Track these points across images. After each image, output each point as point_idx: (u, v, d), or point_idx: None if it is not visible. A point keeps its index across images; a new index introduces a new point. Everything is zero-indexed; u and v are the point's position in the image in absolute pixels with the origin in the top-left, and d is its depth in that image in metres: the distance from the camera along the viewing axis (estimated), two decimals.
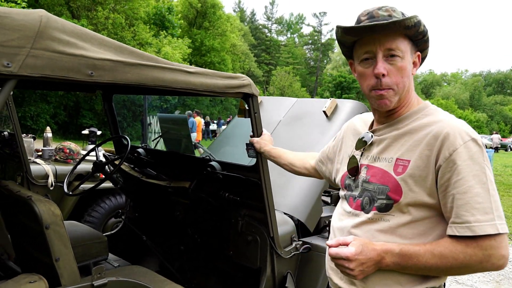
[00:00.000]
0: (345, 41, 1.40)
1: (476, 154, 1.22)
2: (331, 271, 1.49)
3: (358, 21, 1.35)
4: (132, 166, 2.95)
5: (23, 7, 13.70)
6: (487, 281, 4.92)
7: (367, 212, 1.37)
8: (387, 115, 1.42)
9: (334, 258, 1.28)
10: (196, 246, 2.79)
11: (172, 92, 1.96)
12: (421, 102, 1.42)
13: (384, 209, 1.33)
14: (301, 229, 2.74)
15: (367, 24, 1.29)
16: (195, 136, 13.35)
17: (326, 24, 73.55)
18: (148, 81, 1.59)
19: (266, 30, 71.98)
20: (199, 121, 14.32)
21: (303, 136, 3.23)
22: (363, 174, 1.43)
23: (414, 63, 1.39)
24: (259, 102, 3.61)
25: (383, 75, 1.31)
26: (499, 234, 1.18)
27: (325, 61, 70.69)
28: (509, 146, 35.80)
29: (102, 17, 21.62)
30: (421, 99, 1.44)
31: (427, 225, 1.30)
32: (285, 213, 2.73)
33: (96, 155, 2.94)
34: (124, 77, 1.51)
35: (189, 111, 14.74)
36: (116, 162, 2.78)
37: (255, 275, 2.38)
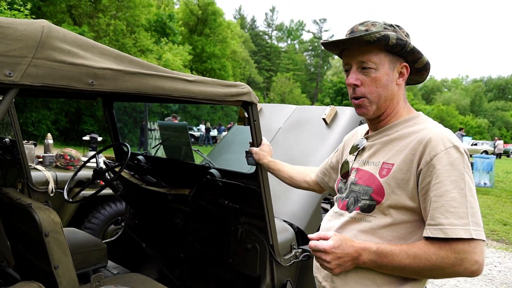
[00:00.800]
0: (333, 53, 1.54)
1: (457, 161, 1.26)
2: (316, 270, 1.55)
3: (346, 34, 1.45)
4: (132, 173, 2.96)
5: (26, 15, 13.79)
6: None
7: (350, 212, 1.44)
8: (375, 123, 1.50)
9: (313, 251, 1.34)
10: (195, 254, 2.79)
11: (172, 100, 1.97)
12: (413, 112, 1.48)
13: (367, 209, 1.38)
14: (301, 236, 2.74)
15: (330, 40, 1.43)
16: None
17: (326, 30, 73.93)
18: (148, 90, 1.60)
19: (267, 37, 72.26)
20: None
21: (302, 143, 3.24)
22: (352, 176, 1.50)
23: (401, 74, 1.44)
24: (258, 109, 3.63)
25: (356, 85, 1.41)
26: (473, 239, 1.20)
27: (326, 67, 70.85)
28: (511, 152, 35.80)
29: (104, 24, 21.74)
30: (413, 109, 1.49)
31: (408, 229, 1.34)
32: (284, 221, 2.73)
33: (97, 162, 2.95)
34: (125, 86, 1.52)
35: (169, 117, 14.66)
36: (116, 169, 2.79)
37: (255, 283, 2.37)
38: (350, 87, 1.43)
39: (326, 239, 1.33)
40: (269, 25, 72.69)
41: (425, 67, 1.49)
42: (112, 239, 3.33)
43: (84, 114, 22.70)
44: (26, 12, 14.07)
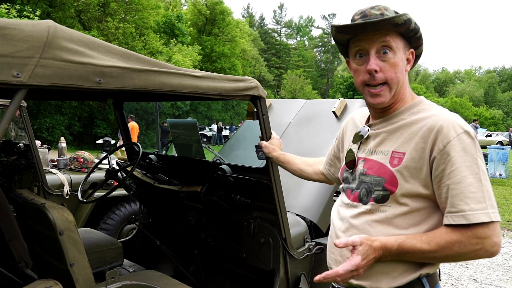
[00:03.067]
0: (340, 39, 1.45)
1: (469, 146, 1.27)
2: (331, 262, 1.53)
3: (352, 20, 1.40)
4: (145, 172, 2.98)
5: None
6: (505, 279, 4.83)
7: (365, 203, 1.42)
8: (382, 111, 1.47)
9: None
10: (209, 250, 2.80)
11: (180, 97, 1.98)
12: (416, 97, 1.46)
13: (381, 200, 1.38)
14: (314, 229, 2.74)
15: (359, 22, 1.34)
16: None
17: None
18: (156, 87, 1.60)
19: (276, 34, 72.15)
20: (132, 126, 13.61)
21: (313, 137, 3.23)
22: (360, 167, 1.48)
23: (408, 60, 1.43)
24: (268, 105, 3.63)
25: (376, 71, 1.35)
26: (492, 222, 1.22)
27: (336, 62, 70.52)
28: None
29: (113, 28, 21.93)
30: (415, 95, 1.48)
31: (422, 215, 1.34)
32: (297, 214, 2.73)
33: (109, 163, 2.98)
34: (132, 83, 1.52)
35: None
36: (129, 169, 2.82)
37: (269, 277, 2.38)
38: (367, 74, 1.37)
39: (352, 245, 1.30)
40: (278, 23, 72.57)
41: (420, 55, 1.48)
42: (127, 238, 3.36)
43: (96, 118, 22.95)
44: (36, 19, 14.30)
